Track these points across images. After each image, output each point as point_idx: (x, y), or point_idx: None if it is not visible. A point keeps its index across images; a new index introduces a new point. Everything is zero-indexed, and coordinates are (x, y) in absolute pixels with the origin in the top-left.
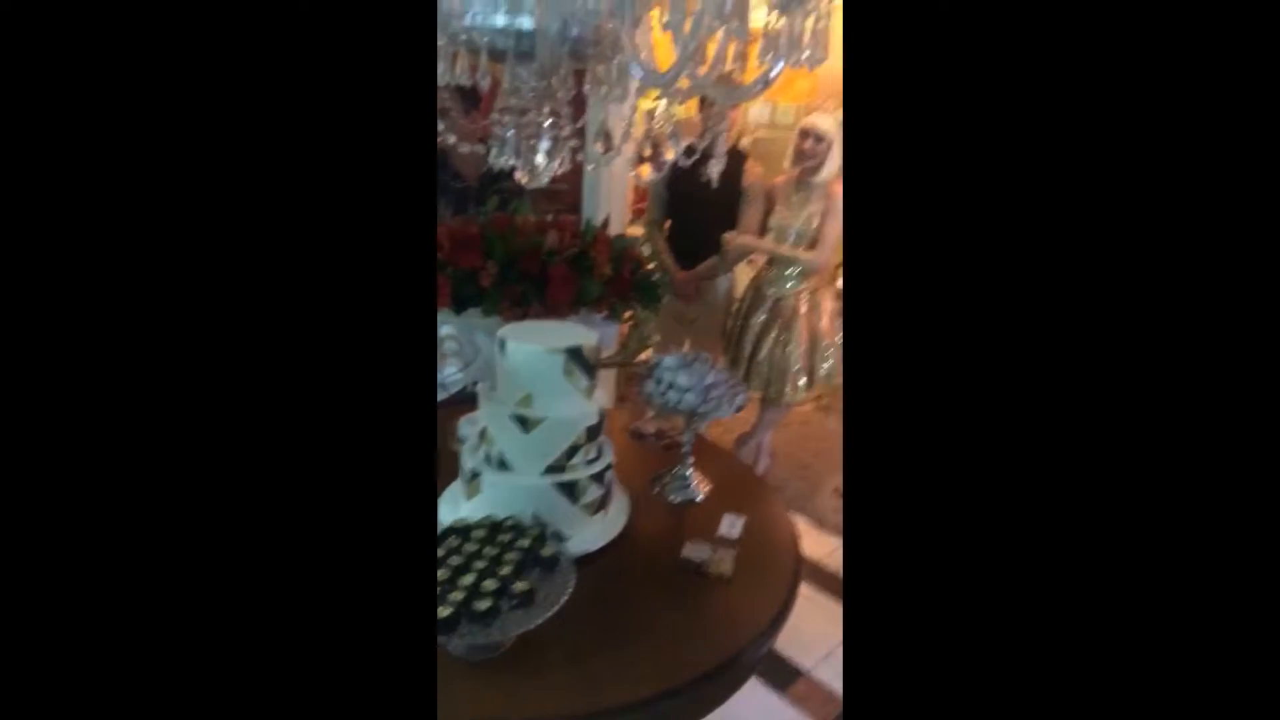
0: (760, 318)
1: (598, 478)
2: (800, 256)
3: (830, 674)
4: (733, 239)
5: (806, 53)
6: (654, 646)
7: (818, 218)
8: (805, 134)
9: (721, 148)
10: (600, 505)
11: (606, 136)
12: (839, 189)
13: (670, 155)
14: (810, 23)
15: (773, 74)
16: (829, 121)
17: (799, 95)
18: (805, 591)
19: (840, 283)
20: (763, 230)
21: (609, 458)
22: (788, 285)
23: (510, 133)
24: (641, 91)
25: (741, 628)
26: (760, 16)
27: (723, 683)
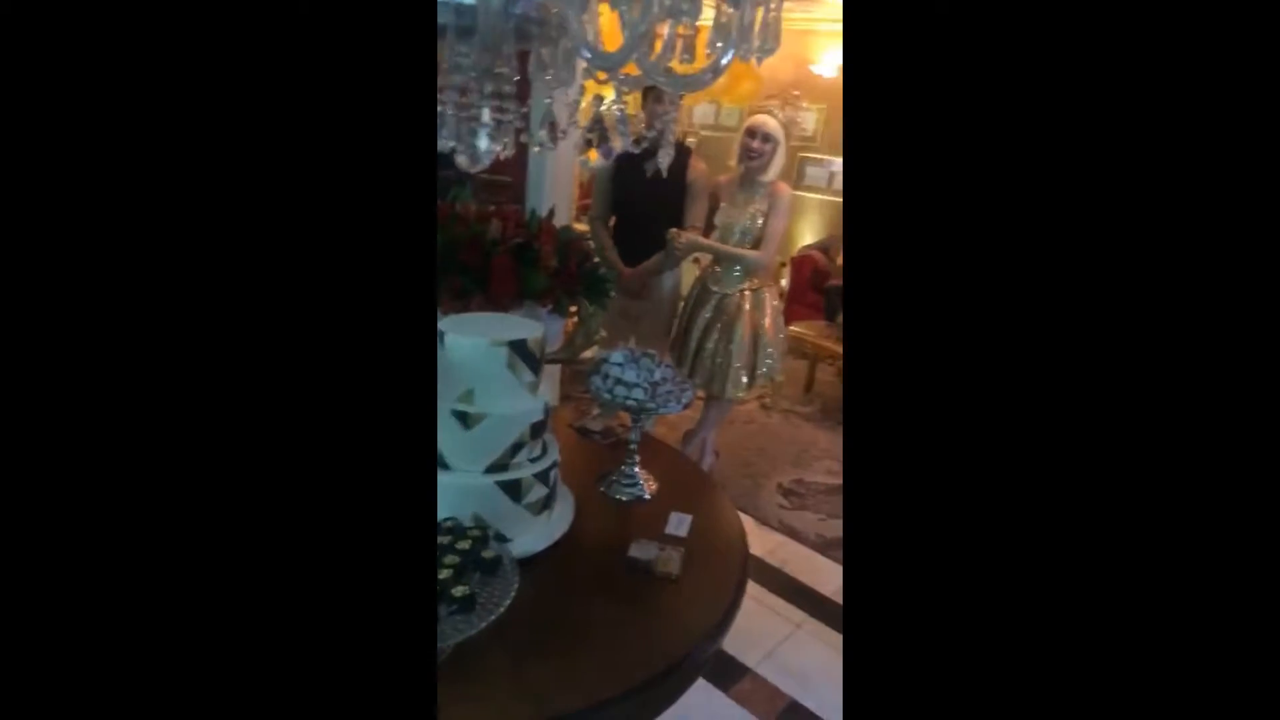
0: (705, 314)
1: (542, 476)
2: (746, 255)
3: (774, 671)
4: (679, 236)
5: (757, 43)
6: (601, 650)
7: (762, 216)
8: (753, 133)
9: (670, 137)
10: (544, 505)
11: (552, 123)
12: (783, 188)
13: (619, 145)
14: (760, 13)
15: (723, 62)
16: (775, 123)
17: (743, 97)
18: (749, 588)
19: (785, 281)
20: (708, 228)
21: (554, 455)
22: (733, 283)
23: (450, 113)
24: (588, 74)
25: (690, 628)
26: (711, 14)
27: (671, 684)
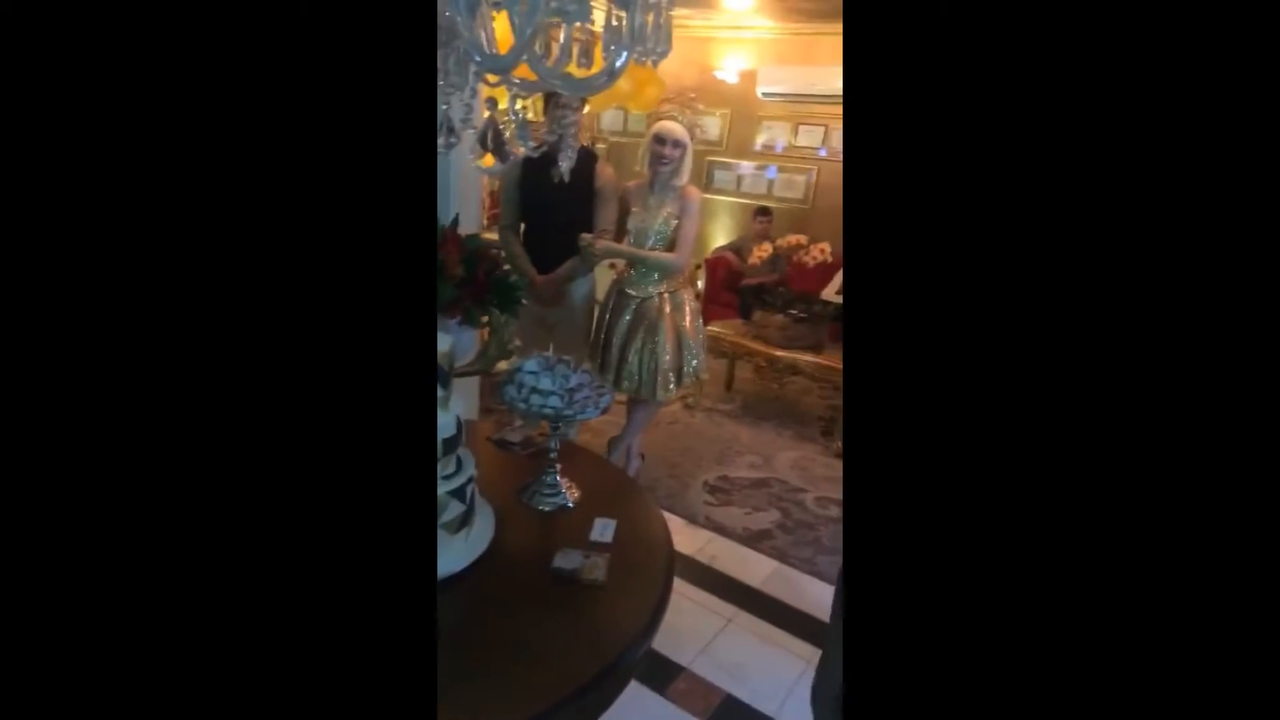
0: (625, 320)
1: (458, 493)
2: (662, 258)
3: (708, 667)
4: (592, 241)
5: (650, 44)
6: (531, 664)
7: (675, 220)
8: (662, 140)
9: (570, 143)
10: (463, 522)
11: (448, 127)
12: (694, 192)
13: (520, 151)
14: (651, 17)
15: (618, 65)
16: (680, 128)
17: (649, 103)
18: (679, 587)
19: (701, 283)
20: (620, 232)
21: (470, 471)
22: (650, 286)
23: None
24: (479, 77)
25: (619, 632)
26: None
27: (603, 691)
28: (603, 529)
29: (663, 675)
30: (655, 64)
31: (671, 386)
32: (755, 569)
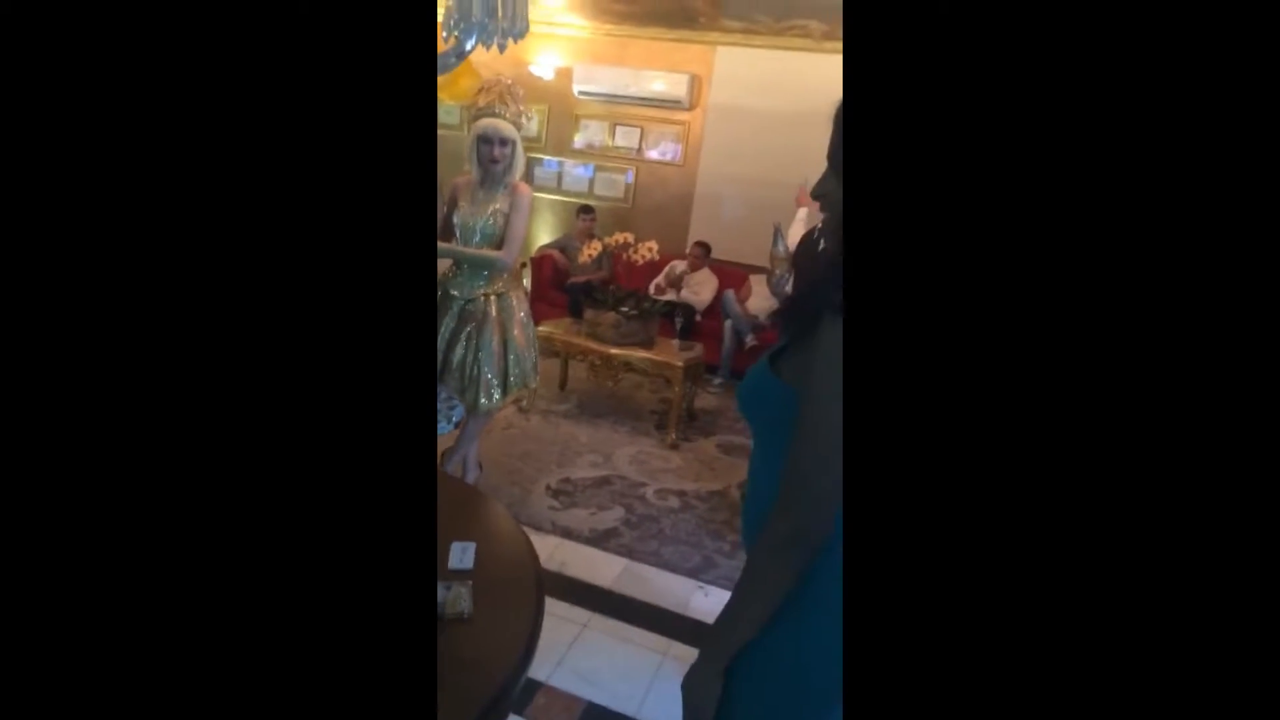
0: (449, 323)
1: None
2: (488, 255)
3: (566, 678)
4: None
5: (507, 22)
6: None
7: (503, 216)
8: (489, 139)
9: None
10: None
11: None
12: (524, 188)
13: None
14: None
15: (468, 47)
16: (507, 125)
17: (462, 94)
18: None
19: (527, 282)
20: (446, 230)
21: None
22: (475, 286)
23: None
24: None
25: (494, 668)
26: None
27: None
28: (461, 554)
29: (521, 694)
30: (515, 42)
31: (496, 396)
32: (605, 570)
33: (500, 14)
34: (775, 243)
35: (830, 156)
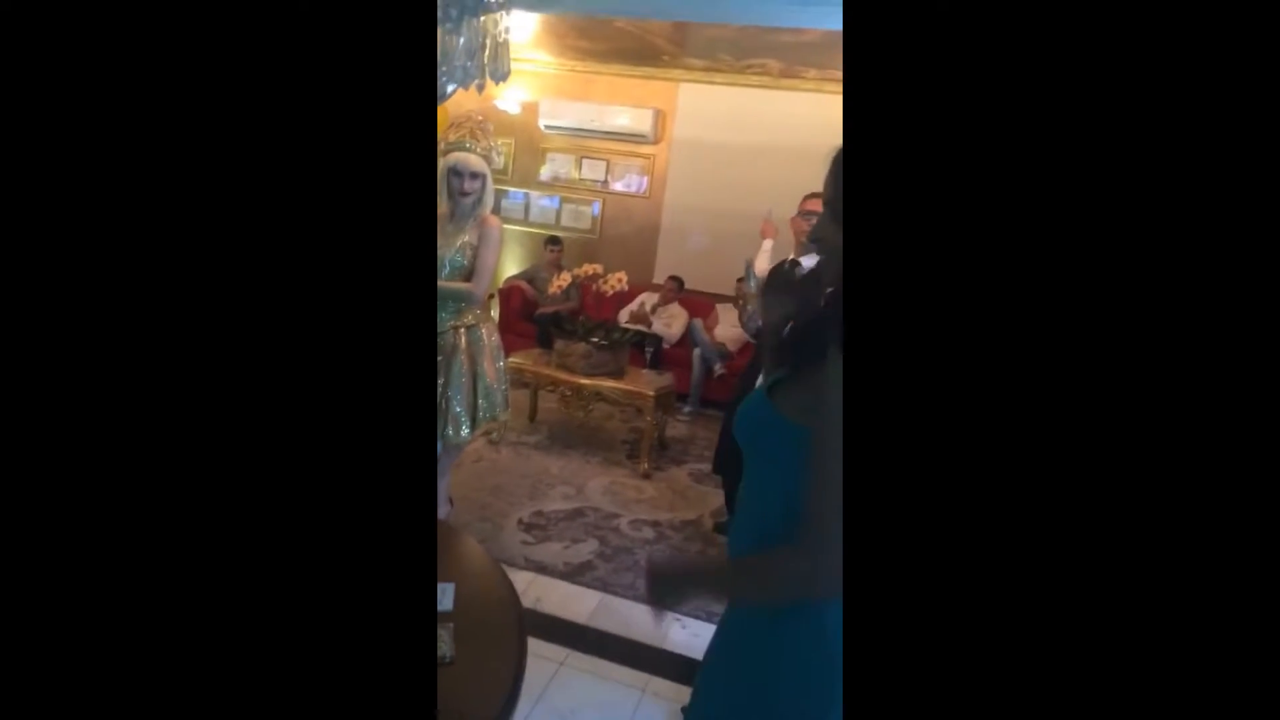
0: None
1: None
2: (457, 289)
3: (545, 717)
4: None
5: (490, 65)
6: None
7: (472, 249)
8: (460, 173)
9: None
10: None
11: None
12: (494, 220)
13: None
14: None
15: (449, 90)
16: (477, 159)
17: None
18: None
19: (495, 313)
20: None
21: None
22: (444, 319)
23: None
24: None
25: (478, 713)
26: None
27: None
28: (440, 595)
29: None
30: (496, 84)
31: (465, 430)
32: (580, 604)
33: (485, 58)
34: (746, 278)
35: (829, 202)
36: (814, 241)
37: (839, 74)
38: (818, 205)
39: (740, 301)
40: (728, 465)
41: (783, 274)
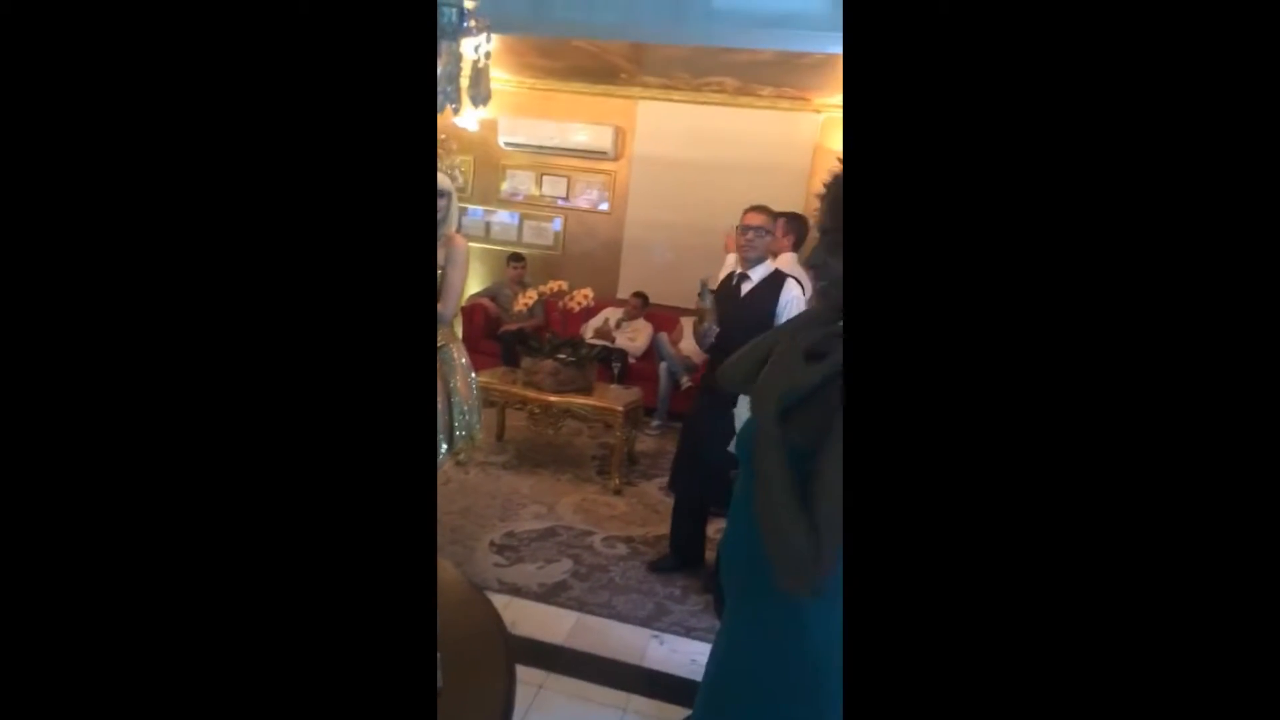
0: None
1: None
2: None
3: None
4: None
5: (471, 89)
6: None
7: (440, 269)
8: None
9: None
10: None
11: None
12: (460, 239)
13: None
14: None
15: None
16: (443, 177)
17: None
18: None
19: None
20: None
21: None
22: None
23: None
24: None
25: None
26: None
27: None
28: None
29: None
30: (475, 108)
31: (442, 450)
32: (557, 625)
33: (465, 82)
34: (701, 295)
35: (827, 231)
36: (812, 267)
37: (794, 92)
38: (757, 220)
39: (696, 319)
40: (679, 479)
41: (729, 289)
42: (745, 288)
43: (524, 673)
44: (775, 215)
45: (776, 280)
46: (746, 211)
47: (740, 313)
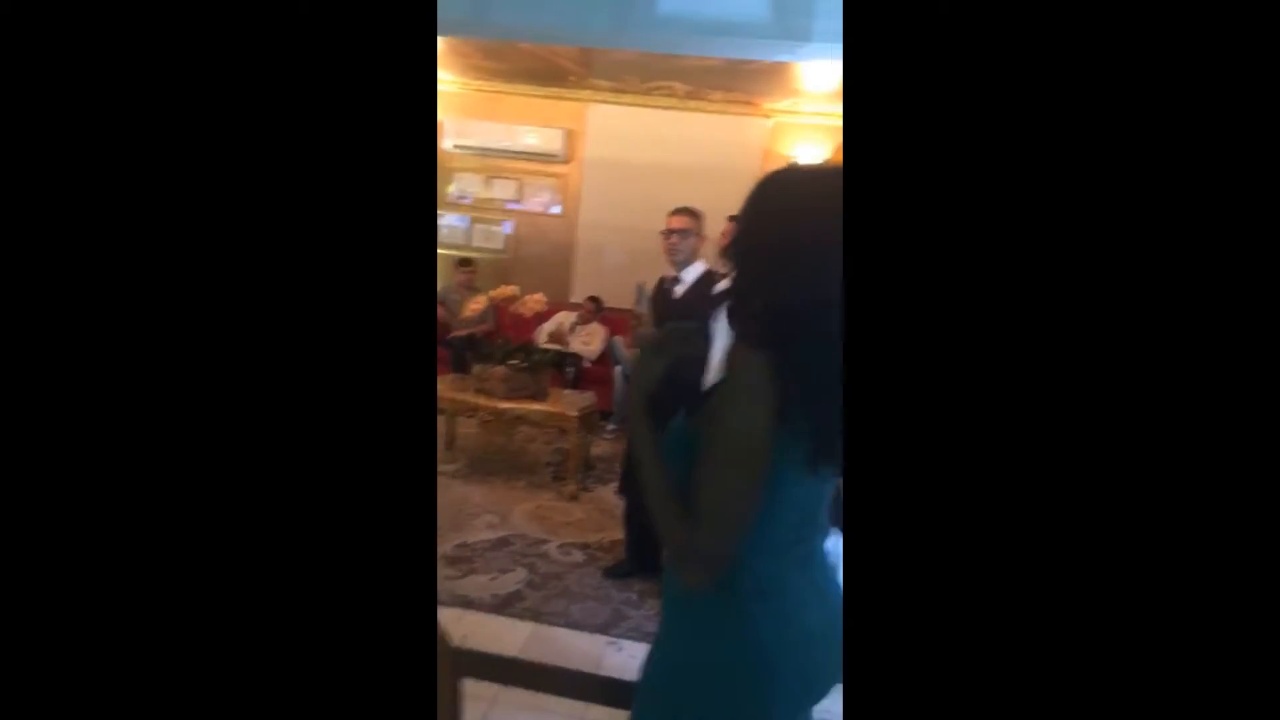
0: None
1: None
2: None
3: None
4: None
5: None
6: None
7: None
8: None
9: None
10: None
11: None
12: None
13: None
14: None
15: None
16: None
17: None
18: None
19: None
20: None
21: None
22: None
23: None
24: None
25: None
26: None
27: None
28: None
29: None
30: None
31: None
32: (510, 637)
33: None
34: (638, 300)
35: (739, 229)
36: (728, 258)
37: (744, 97)
38: (679, 223)
39: (634, 322)
40: (630, 482)
41: (661, 293)
42: (678, 290)
43: (476, 688)
44: (700, 216)
45: (711, 280)
46: (670, 214)
47: (678, 316)
